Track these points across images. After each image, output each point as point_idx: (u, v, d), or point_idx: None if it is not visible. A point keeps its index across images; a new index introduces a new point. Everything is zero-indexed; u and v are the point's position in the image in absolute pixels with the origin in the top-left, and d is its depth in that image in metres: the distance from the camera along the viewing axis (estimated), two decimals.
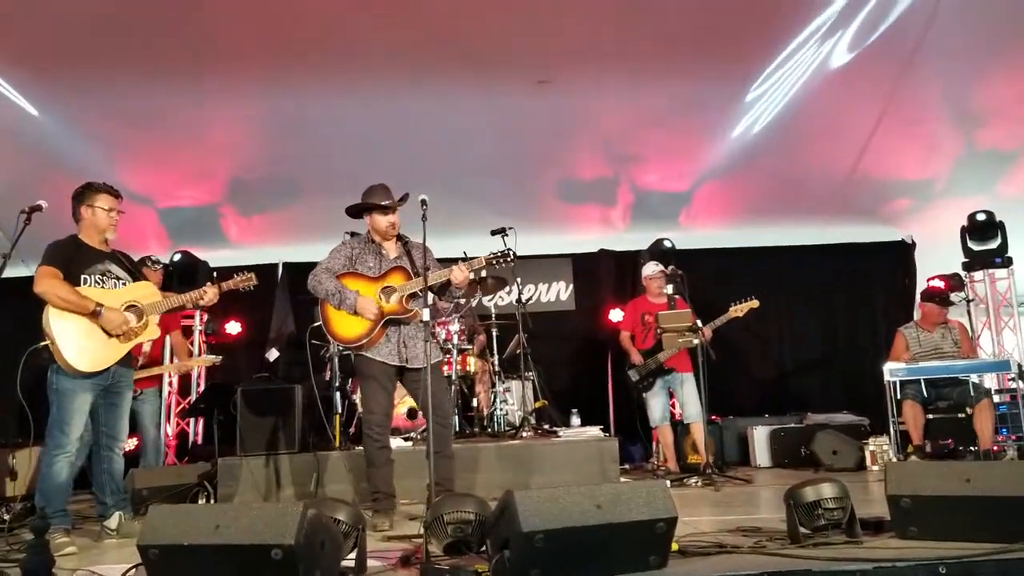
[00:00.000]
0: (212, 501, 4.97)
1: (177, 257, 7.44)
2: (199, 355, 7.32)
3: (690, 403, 5.96)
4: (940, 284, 6.88)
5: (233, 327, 7.48)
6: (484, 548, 2.84)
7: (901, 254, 8.39)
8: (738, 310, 5.91)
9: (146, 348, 5.44)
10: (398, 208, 4.16)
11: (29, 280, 3.81)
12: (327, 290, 4.02)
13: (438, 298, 4.22)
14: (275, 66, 6.12)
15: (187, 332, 7.67)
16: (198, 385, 7.71)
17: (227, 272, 4.46)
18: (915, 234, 8.37)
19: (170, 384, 7.49)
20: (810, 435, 6.45)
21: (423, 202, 3.93)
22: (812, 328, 8.26)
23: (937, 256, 7.81)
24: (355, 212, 4.25)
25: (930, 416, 6.05)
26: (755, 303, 5.91)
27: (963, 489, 2.85)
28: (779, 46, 6.30)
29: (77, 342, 3.73)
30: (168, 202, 7.46)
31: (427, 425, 3.81)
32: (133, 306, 3.94)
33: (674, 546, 2.71)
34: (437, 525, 2.89)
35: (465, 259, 4.01)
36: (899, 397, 5.97)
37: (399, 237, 4.22)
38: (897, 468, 3.20)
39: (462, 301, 4.20)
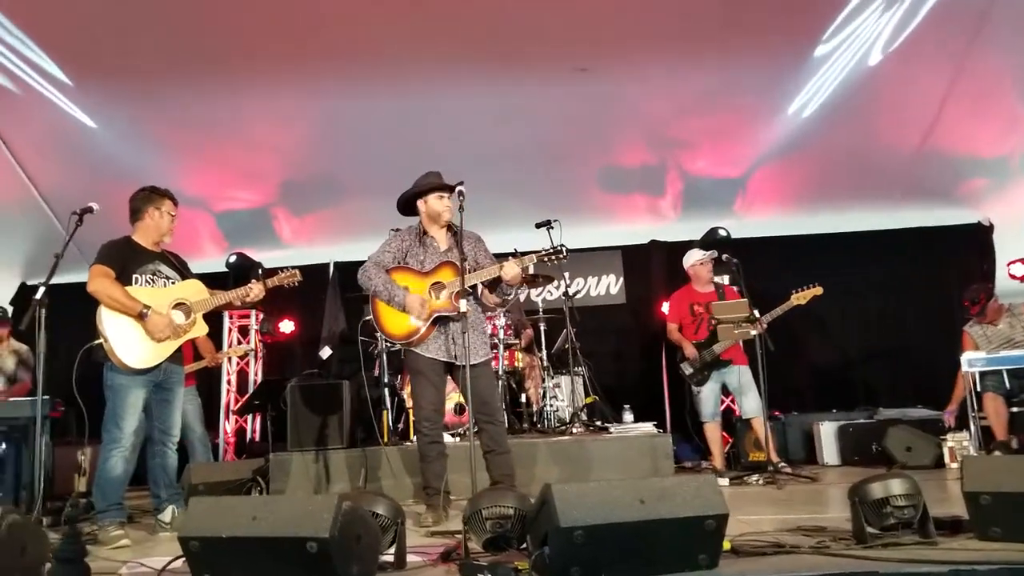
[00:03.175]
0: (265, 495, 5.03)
1: (232, 259, 7.57)
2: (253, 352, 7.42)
3: (749, 397, 5.63)
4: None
5: (287, 326, 7.57)
6: (525, 544, 2.72)
7: (978, 237, 7.91)
8: (800, 297, 5.55)
9: None
10: (450, 197, 4.04)
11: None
12: (376, 286, 3.97)
13: (490, 293, 4.10)
14: (315, 67, 6.22)
15: (244, 331, 7.83)
16: (255, 383, 7.82)
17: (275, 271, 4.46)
18: (992, 216, 7.87)
19: (228, 383, 7.62)
20: (882, 431, 6.11)
21: (460, 192, 3.84)
22: (882, 318, 7.83)
23: (1018, 239, 7.32)
24: (407, 202, 4.14)
25: (1014, 409, 5.63)
26: (818, 290, 5.56)
27: None
28: (835, 15, 5.97)
29: (128, 340, 3.81)
30: (223, 205, 7.61)
31: (468, 420, 3.70)
32: (182, 303, 4.01)
33: (726, 544, 2.52)
34: (476, 520, 2.78)
35: (515, 254, 3.88)
36: (979, 390, 5.58)
37: (450, 227, 4.10)
38: (975, 462, 2.92)
39: (510, 297, 4.04)
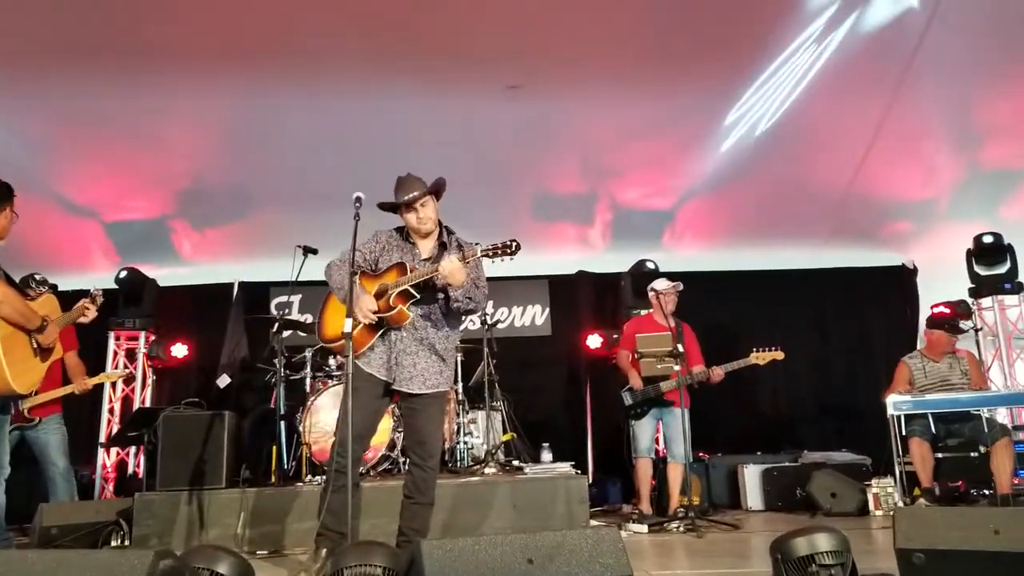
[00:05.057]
0: (127, 542, 4.45)
1: (123, 274, 6.91)
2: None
3: (678, 441, 5.36)
4: (946, 311, 6.34)
5: (180, 350, 6.93)
6: None
7: (902, 280, 7.93)
8: (759, 357, 5.40)
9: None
10: (429, 199, 3.47)
11: None
12: (335, 282, 3.47)
13: (445, 302, 3.52)
14: (227, 67, 5.72)
15: (131, 355, 7.14)
16: None
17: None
18: (916, 259, 7.91)
19: (110, 411, 6.90)
20: (806, 475, 5.95)
21: (357, 199, 3.38)
22: (807, 359, 7.68)
23: (940, 282, 7.35)
24: (389, 209, 3.61)
25: (939, 455, 5.45)
26: (780, 354, 5.41)
27: (991, 543, 2.31)
28: (769, 55, 5.94)
29: (16, 359, 3.30)
30: (115, 215, 6.97)
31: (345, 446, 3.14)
32: (44, 320, 3.53)
33: None
34: None
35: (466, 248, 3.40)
36: (904, 434, 5.41)
37: (441, 233, 3.57)
38: (907, 516, 2.63)
39: (462, 305, 3.43)
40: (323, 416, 5.29)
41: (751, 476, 6.33)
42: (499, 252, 3.18)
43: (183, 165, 6.49)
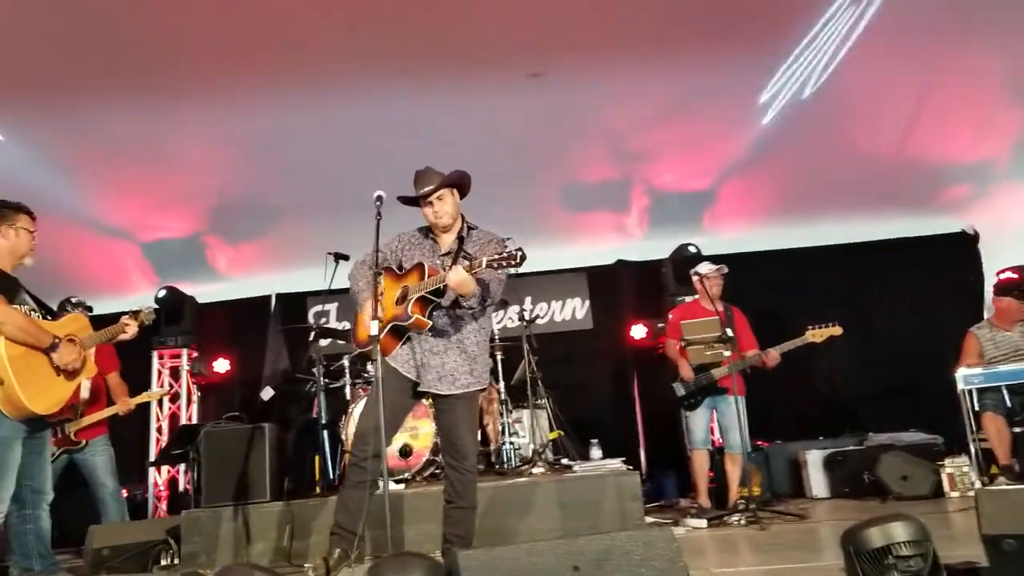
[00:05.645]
0: (176, 560, 4.42)
1: (162, 294, 6.94)
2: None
3: (734, 431, 5.14)
4: (1014, 276, 5.94)
5: (222, 365, 6.93)
6: None
7: (963, 247, 7.52)
8: (816, 335, 5.14)
9: (85, 395, 4.88)
10: (447, 193, 3.37)
11: None
12: (356, 287, 3.42)
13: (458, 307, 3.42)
14: (245, 80, 5.69)
15: (175, 373, 7.18)
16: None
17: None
18: (977, 224, 7.48)
19: (158, 430, 6.94)
20: (873, 458, 5.66)
21: (378, 198, 3.27)
22: (866, 335, 7.28)
23: (1005, 247, 6.94)
24: (409, 203, 3.52)
25: (1017, 430, 5.10)
26: (837, 330, 5.15)
27: None
28: (807, 18, 5.60)
29: (31, 379, 3.24)
30: (150, 235, 7.00)
31: (380, 450, 3.00)
32: (72, 340, 3.46)
33: None
34: None
35: (468, 257, 3.26)
36: (976, 409, 5.07)
37: (462, 228, 3.46)
38: (992, 498, 2.39)
39: (475, 308, 3.33)
40: None
41: (814, 462, 6.08)
42: (503, 263, 3.05)
43: (210, 181, 6.49)
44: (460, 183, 3.40)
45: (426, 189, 3.34)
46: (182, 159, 6.26)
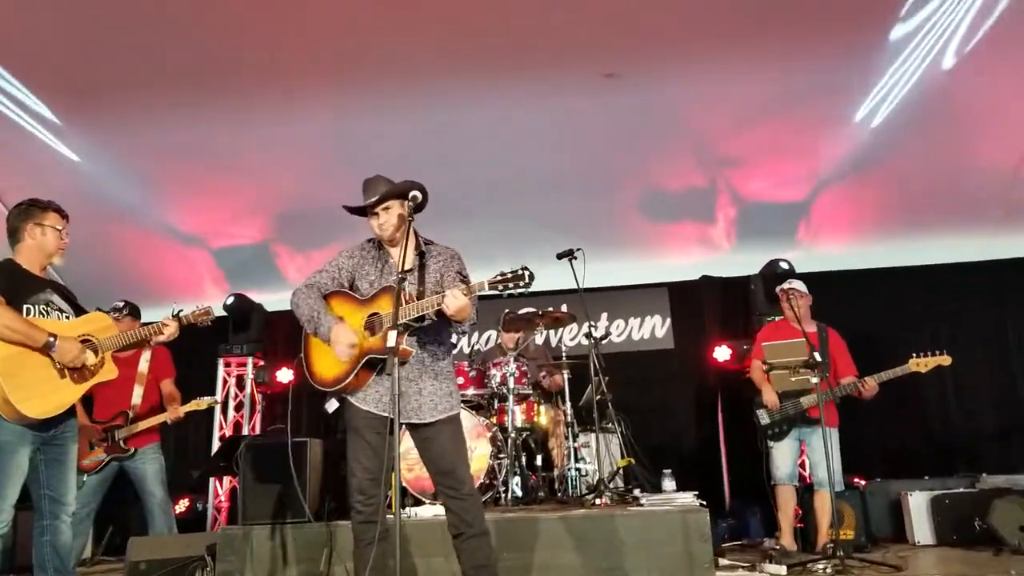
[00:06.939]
0: None
1: (231, 301, 6.93)
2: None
3: (823, 465, 4.64)
4: None
5: (285, 375, 6.82)
6: None
7: None
8: (920, 364, 4.70)
9: (136, 400, 4.80)
10: (394, 203, 3.13)
11: None
12: (304, 313, 3.13)
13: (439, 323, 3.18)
14: (317, 89, 5.68)
15: (240, 382, 7.14)
16: None
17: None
18: None
19: (221, 439, 6.91)
20: (986, 503, 5.07)
21: (413, 197, 2.99)
22: (981, 365, 6.67)
23: None
24: (356, 213, 3.32)
25: None
26: (946, 359, 4.70)
27: None
28: (913, 9, 5.04)
29: (25, 381, 3.10)
30: (221, 242, 7.05)
31: (392, 486, 2.74)
32: (87, 340, 3.32)
33: None
34: None
35: (465, 279, 3.04)
36: None
37: (419, 243, 3.22)
38: None
39: (468, 330, 3.10)
40: None
41: (917, 505, 5.49)
42: (508, 284, 2.84)
43: (279, 189, 6.50)
44: (406, 194, 3.06)
45: (371, 200, 3.13)
46: (253, 167, 6.29)
